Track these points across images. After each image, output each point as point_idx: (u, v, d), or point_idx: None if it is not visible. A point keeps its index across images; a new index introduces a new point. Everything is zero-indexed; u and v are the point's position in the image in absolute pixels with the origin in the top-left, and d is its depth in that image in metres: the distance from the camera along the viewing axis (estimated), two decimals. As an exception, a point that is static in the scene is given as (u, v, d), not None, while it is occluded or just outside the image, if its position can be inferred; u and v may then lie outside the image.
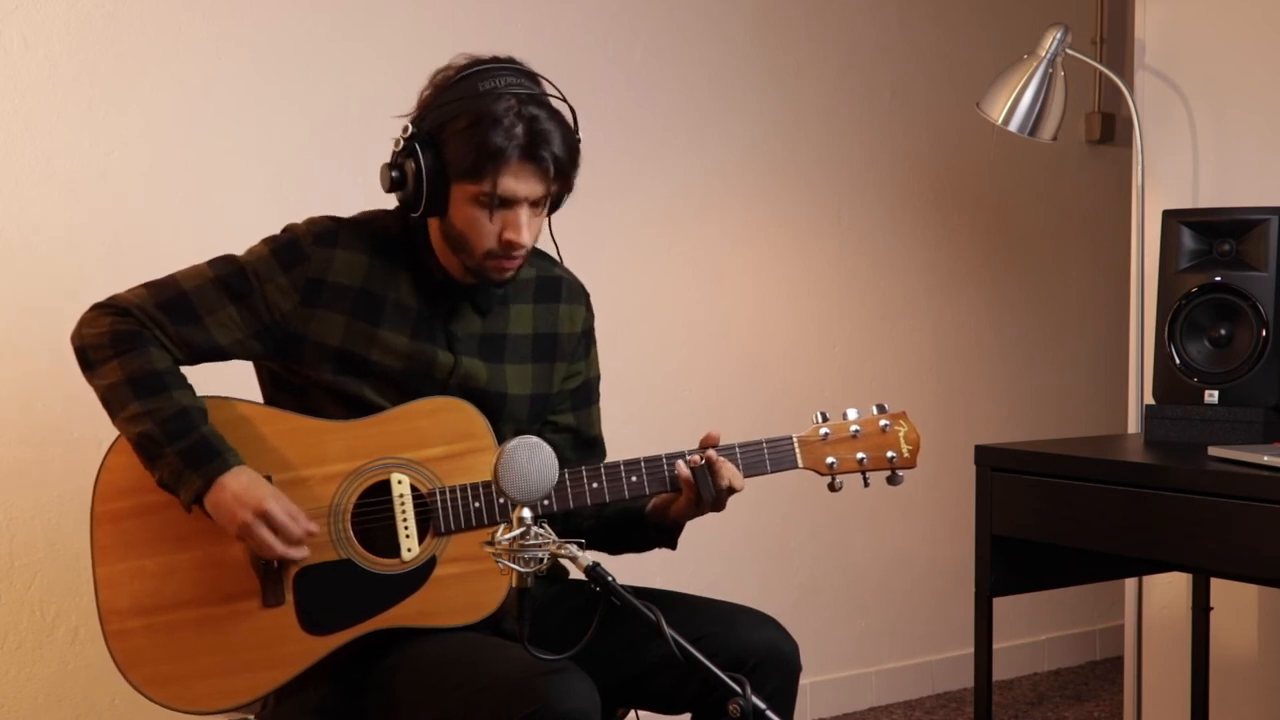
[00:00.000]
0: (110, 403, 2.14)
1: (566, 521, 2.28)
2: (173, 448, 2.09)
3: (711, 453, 2.23)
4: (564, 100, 2.22)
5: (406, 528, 2.17)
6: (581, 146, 2.21)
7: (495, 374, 2.28)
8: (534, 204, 2.17)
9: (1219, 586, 3.18)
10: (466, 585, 2.16)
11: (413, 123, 2.19)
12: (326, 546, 2.16)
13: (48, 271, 2.95)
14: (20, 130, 2.92)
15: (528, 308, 2.34)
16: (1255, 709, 3.29)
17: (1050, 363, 4.54)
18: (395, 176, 2.18)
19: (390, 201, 2.27)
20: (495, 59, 2.19)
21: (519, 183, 2.14)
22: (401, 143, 2.18)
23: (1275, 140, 3.18)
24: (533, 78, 2.20)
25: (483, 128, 2.11)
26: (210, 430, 2.12)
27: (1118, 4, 4.44)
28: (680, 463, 2.23)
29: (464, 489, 2.18)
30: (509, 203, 2.15)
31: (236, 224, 2.91)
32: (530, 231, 2.18)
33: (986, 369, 4.39)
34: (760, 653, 2.15)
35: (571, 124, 2.20)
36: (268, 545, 2.10)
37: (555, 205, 2.24)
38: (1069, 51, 3.31)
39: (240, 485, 2.09)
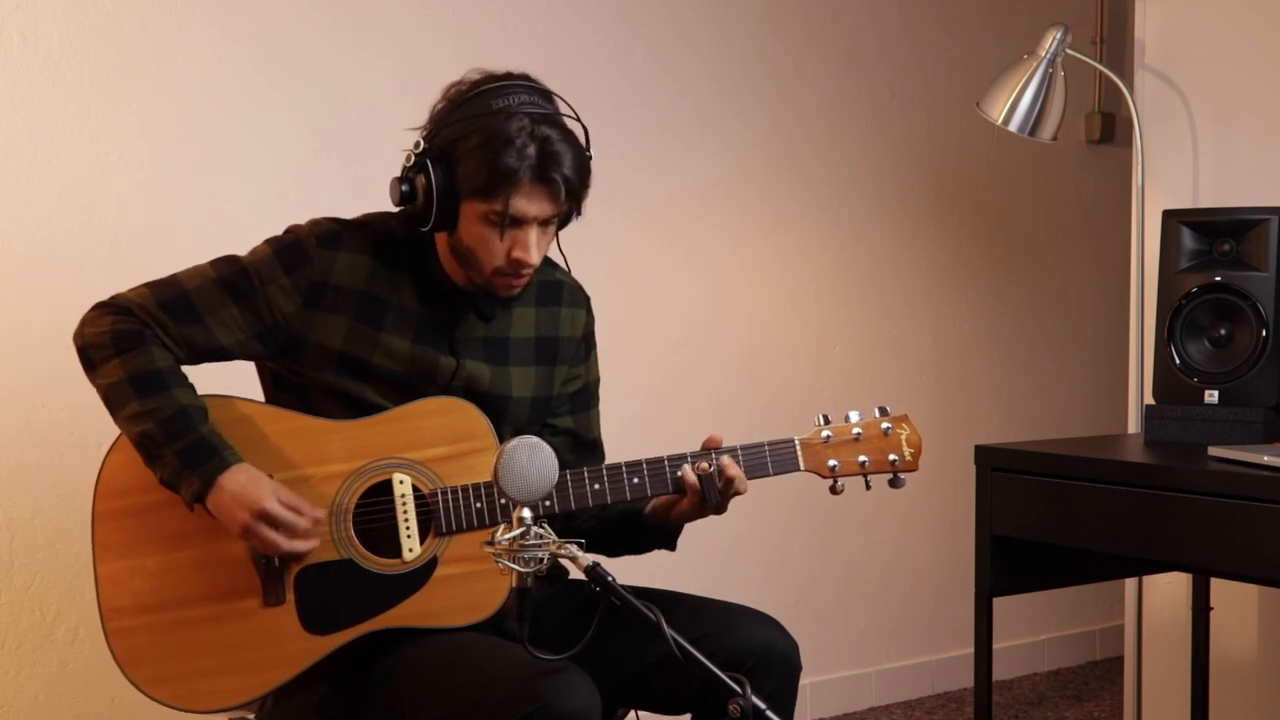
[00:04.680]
0: (111, 401, 2.14)
1: (567, 522, 2.29)
2: (172, 447, 2.09)
3: (725, 459, 2.23)
4: (577, 119, 2.21)
5: (408, 528, 2.17)
6: (593, 165, 2.21)
7: (499, 376, 2.29)
8: (543, 223, 2.17)
9: (1219, 586, 3.18)
10: (468, 586, 2.16)
11: (424, 138, 2.18)
12: (328, 546, 2.16)
13: (48, 271, 2.94)
14: (20, 130, 2.92)
15: (530, 311, 2.34)
16: (1255, 709, 3.29)
17: (1050, 363, 4.54)
18: (405, 191, 2.18)
19: (389, 201, 2.26)
20: (509, 75, 2.19)
21: (530, 203, 2.14)
22: (413, 157, 2.18)
23: (1275, 140, 3.18)
24: (547, 96, 2.19)
25: (495, 147, 2.11)
26: (209, 430, 2.12)
27: (1118, 4, 4.44)
28: (687, 469, 2.23)
29: (465, 489, 2.18)
30: (519, 222, 2.15)
31: (236, 224, 2.92)
32: (539, 251, 2.19)
33: (986, 369, 4.39)
34: (760, 652, 2.15)
35: (584, 143, 2.20)
36: (272, 544, 2.10)
37: (564, 223, 2.25)
38: (1069, 51, 3.31)
39: (238, 485, 2.09)
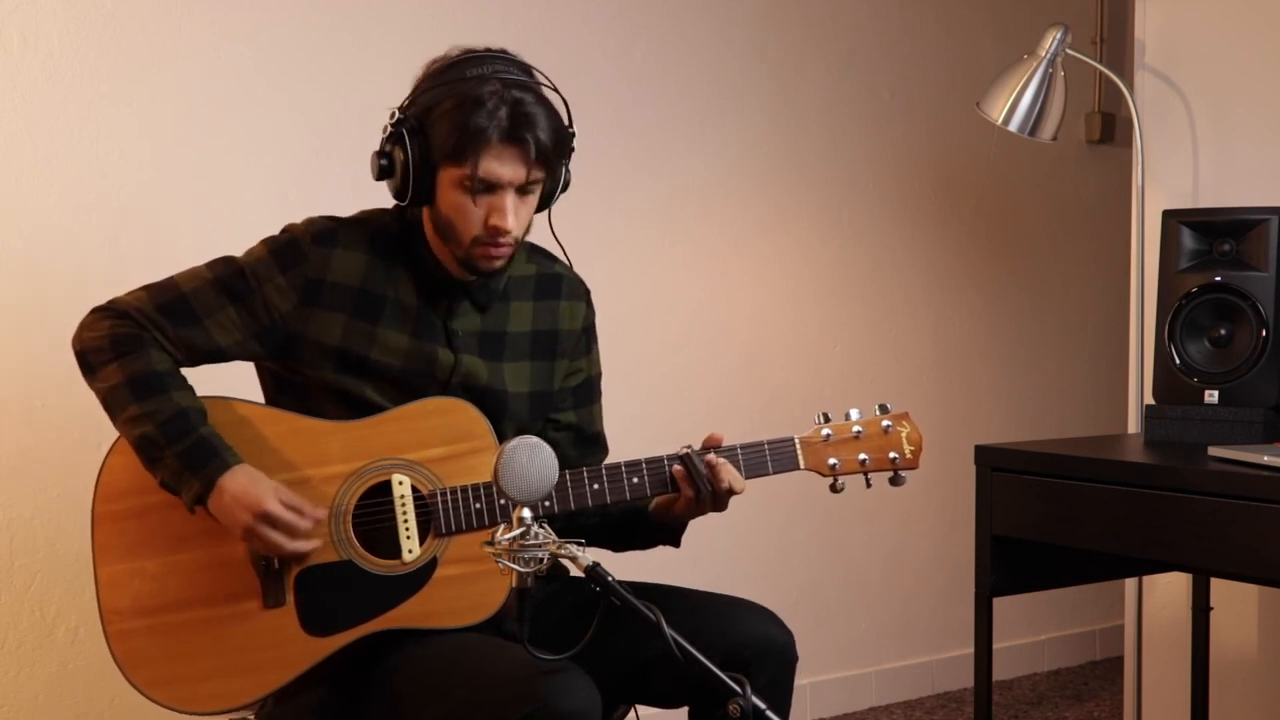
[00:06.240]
0: (111, 405, 2.14)
1: (570, 520, 2.28)
2: (172, 449, 2.09)
3: (711, 455, 2.23)
4: (556, 91, 2.21)
5: (408, 529, 2.17)
6: (576, 140, 2.21)
7: (494, 372, 2.28)
8: (520, 190, 2.16)
9: (1219, 586, 3.18)
10: (468, 586, 2.16)
11: (401, 109, 2.19)
12: (327, 547, 2.16)
13: (48, 272, 2.95)
14: (20, 130, 2.92)
15: (528, 305, 2.34)
16: (1255, 709, 3.29)
17: (1050, 363, 4.54)
18: (384, 164, 2.19)
19: (387, 199, 2.27)
20: (488, 49, 2.19)
21: (501, 165, 2.13)
22: (389, 129, 2.18)
23: (1275, 140, 3.18)
24: (525, 68, 2.20)
25: (465, 109, 2.11)
26: (209, 431, 2.12)
27: (1118, 4, 4.44)
28: (678, 466, 2.23)
29: (465, 490, 2.18)
30: (492, 186, 2.14)
31: (236, 224, 2.91)
32: (517, 218, 2.17)
33: (986, 369, 4.39)
34: (757, 644, 2.15)
35: (563, 113, 2.20)
36: (275, 546, 2.09)
37: (548, 199, 2.24)
38: (1069, 51, 3.31)
39: (239, 486, 2.09)
